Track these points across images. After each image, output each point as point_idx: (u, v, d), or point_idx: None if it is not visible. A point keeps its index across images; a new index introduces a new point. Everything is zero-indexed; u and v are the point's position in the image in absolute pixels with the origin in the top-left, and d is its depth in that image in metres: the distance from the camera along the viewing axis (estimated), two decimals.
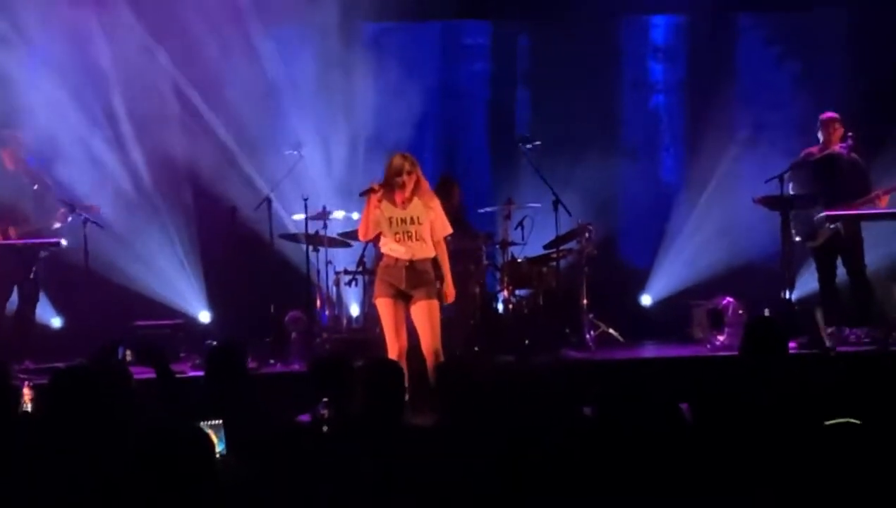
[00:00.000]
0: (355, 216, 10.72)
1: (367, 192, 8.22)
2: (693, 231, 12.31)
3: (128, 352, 9.24)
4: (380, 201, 8.24)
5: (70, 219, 10.21)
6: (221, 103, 11.88)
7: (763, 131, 12.04)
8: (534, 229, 11.00)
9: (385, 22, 12.13)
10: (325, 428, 5.20)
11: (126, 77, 11.74)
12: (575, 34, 12.26)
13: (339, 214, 10.94)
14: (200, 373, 6.95)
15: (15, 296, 10.36)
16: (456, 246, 9.54)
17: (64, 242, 10.22)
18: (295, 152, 11.06)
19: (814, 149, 10.43)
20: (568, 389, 5.60)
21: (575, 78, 12.35)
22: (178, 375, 7.25)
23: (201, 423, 5.10)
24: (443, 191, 9.38)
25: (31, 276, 10.27)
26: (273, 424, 5.57)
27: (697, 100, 12.72)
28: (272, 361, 10.17)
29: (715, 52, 12.74)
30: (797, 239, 10.34)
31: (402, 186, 8.20)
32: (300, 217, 10.76)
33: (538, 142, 10.97)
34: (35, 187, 10.32)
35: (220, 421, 5.33)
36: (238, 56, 11.85)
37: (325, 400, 5.41)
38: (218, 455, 5.05)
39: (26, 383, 6.53)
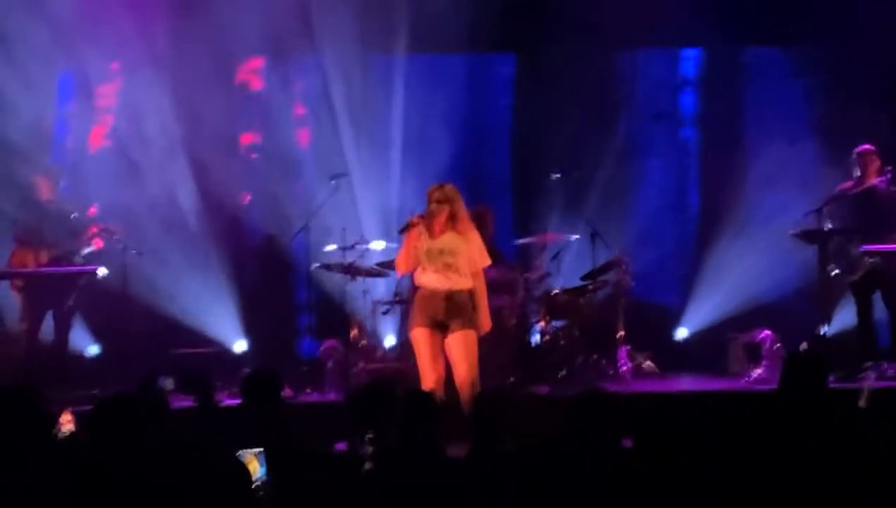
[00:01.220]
0: (382, 245, 10.78)
1: (407, 227, 8.25)
2: (729, 263, 12.25)
3: (169, 381, 9.38)
4: (419, 234, 8.26)
5: (103, 244, 10.30)
6: (258, 130, 11.96)
7: (790, 165, 11.98)
8: (570, 261, 11.01)
9: (415, 53, 12.13)
10: (367, 465, 5.20)
11: (161, 103, 11.84)
12: (595, 63, 12.28)
13: (376, 244, 10.96)
14: (237, 401, 6.97)
15: (50, 322, 10.46)
16: (492, 277, 9.54)
17: (102, 271, 10.33)
18: (333, 182, 11.11)
19: (850, 183, 10.37)
20: (605, 421, 5.58)
21: (600, 109, 12.39)
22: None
23: (242, 450, 5.14)
24: (477, 222, 9.40)
25: (71, 303, 10.36)
26: (312, 452, 5.60)
27: (724, 132, 12.63)
28: (308, 390, 10.20)
29: (735, 85, 12.65)
30: (835, 272, 10.29)
31: (433, 215, 8.23)
32: (333, 247, 10.82)
33: (575, 173, 10.99)
34: (74, 215, 10.41)
35: (262, 449, 5.35)
36: (274, 84, 11.95)
37: (369, 436, 5.41)
38: (259, 482, 5.08)
39: (66, 409, 6.59)
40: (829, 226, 10.19)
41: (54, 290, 10.35)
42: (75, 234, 10.34)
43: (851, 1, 11.92)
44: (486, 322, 8.40)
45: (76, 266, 10.35)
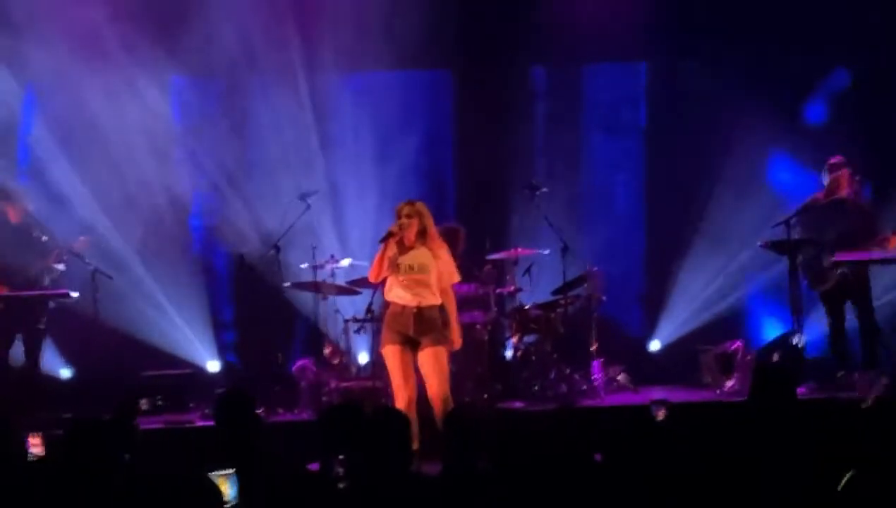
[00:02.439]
0: (345, 262, 10.80)
1: (387, 237, 8.25)
2: (700, 275, 12.30)
3: (143, 401, 9.39)
4: (393, 246, 8.27)
5: (65, 259, 10.31)
6: (229, 151, 11.96)
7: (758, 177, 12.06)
8: (541, 275, 11.03)
9: (388, 70, 12.13)
10: (340, 486, 5.19)
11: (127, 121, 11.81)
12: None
13: (346, 262, 10.96)
14: (210, 423, 6.95)
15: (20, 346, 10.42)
16: (463, 293, 9.55)
17: (74, 294, 10.32)
18: (303, 201, 11.10)
19: (821, 194, 10.43)
20: (577, 435, 5.60)
21: (567, 123, 12.51)
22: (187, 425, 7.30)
23: (213, 472, 5.12)
24: (448, 237, 9.41)
25: (41, 326, 10.32)
26: (284, 472, 5.57)
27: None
28: (281, 410, 10.17)
29: (705, 98, 12.69)
30: (806, 282, 10.36)
31: (401, 229, 8.24)
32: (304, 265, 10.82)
33: (545, 189, 11.02)
34: (44, 239, 10.38)
35: (233, 470, 5.33)
36: (250, 105, 11.97)
37: (341, 457, 5.40)
38: (230, 504, 5.06)
39: (33, 433, 6.56)
40: (799, 236, 10.25)
41: (24, 314, 10.32)
42: (44, 256, 10.31)
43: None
44: (456, 339, 8.41)
45: (46, 289, 10.32)
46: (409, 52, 11.52)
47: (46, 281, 10.43)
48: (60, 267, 10.42)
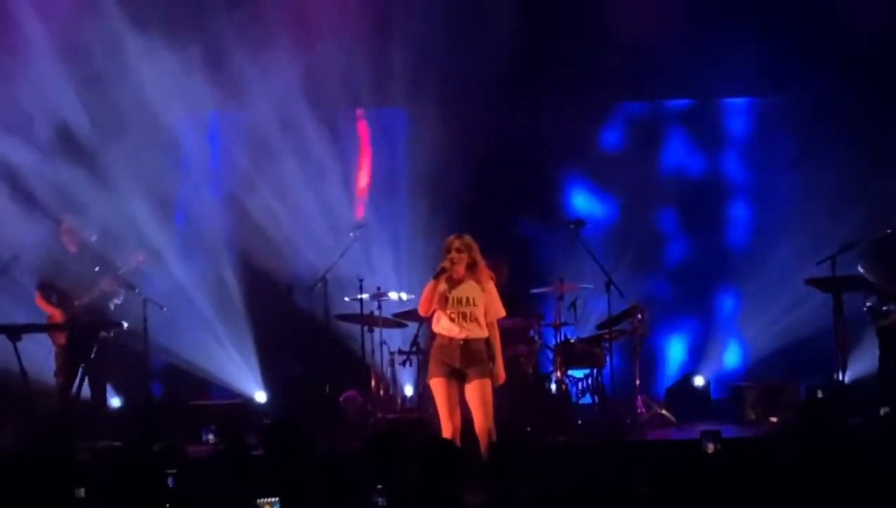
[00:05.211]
0: (404, 296, 10.90)
1: (440, 272, 8.31)
2: (746, 310, 12.30)
3: (210, 436, 9.54)
4: (445, 278, 8.35)
5: (119, 281, 10.57)
6: (279, 181, 12.12)
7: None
8: (586, 310, 11.08)
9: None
10: None
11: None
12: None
13: (393, 295, 11.05)
14: (258, 452, 7.04)
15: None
16: (508, 326, 9.60)
17: (125, 324, 10.51)
18: (352, 234, 11.24)
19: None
20: (621, 469, 5.63)
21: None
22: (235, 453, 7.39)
23: (259, 500, 5.21)
24: (493, 270, 9.47)
25: (93, 356, 10.49)
26: (329, 503, 5.65)
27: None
28: (327, 440, 10.24)
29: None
30: (866, 310, 10.31)
31: (452, 264, 8.31)
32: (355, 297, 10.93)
33: (585, 224, 11.12)
34: (96, 269, 10.58)
35: (277, 499, 5.41)
36: (297, 136, 12.14)
37: (380, 487, 5.46)
38: None
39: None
40: (868, 270, 10.21)
41: (78, 342, 10.50)
42: (92, 284, 10.51)
43: None
44: (501, 373, 8.45)
45: (103, 317, 10.55)
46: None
47: (111, 307, 10.66)
48: (119, 296, 10.62)
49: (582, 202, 12.79)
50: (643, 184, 12.54)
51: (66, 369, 10.53)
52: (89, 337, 10.50)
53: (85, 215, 11.01)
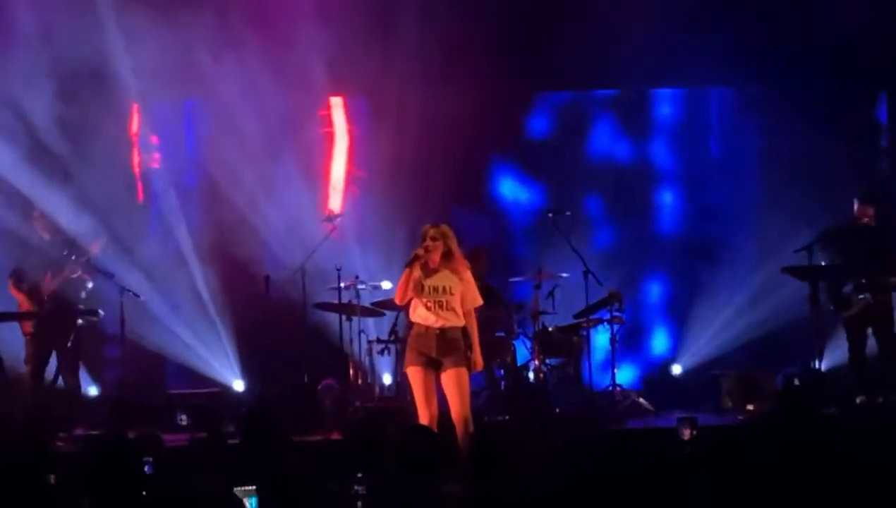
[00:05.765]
0: (386, 285, 10.89)
1: (413, 260, 8.31)
2: (722, 300, 12.34)
3: (183, 417, 9.52)
4: (418, 268, 8.34)
5: (83, 265, 10.49)
6: (257, 171, 12.08)
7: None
8: (564, 299, 11.09)
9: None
10: (359, 505, 5.25)
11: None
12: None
13: (386, 285, 11.02)
14: (235, 440, 7.03)
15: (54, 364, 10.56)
16: (485, 315, 9.60)
17: (101, 313, 10.47)
18: (329, 222, 11.22)
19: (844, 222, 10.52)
20: (599, 458, 5.64)
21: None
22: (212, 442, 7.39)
23: (236, 489, 5.20)
24: (471, 259, 9.48)
25: (69, 344, 10.44)
26: (305, 491, 5.64)
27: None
28: (305, 429, 10.23)
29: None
30: (830, 308, 10.39)
31: (427, 251, 8.30)
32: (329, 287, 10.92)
33: (567, 213, 11.11)
34: (71, 256, 10.52)
35: (254, 487, 5.40)
36: (274, 127, 12.10)
37: (360, 475, 5.45)
38: None
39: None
40: (822, 262, 10.29)
41: (55, 329, 10.46)
42: (60, 269, 10.46)
43: None
44: (478, 360, 8.46)
45: (75, 306, 10.48)
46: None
47: (83, 294, 10.58)
48: (89, 283, 10.56)
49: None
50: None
51: (37, 357, 10.45)
52: (65, 324, 10.45)
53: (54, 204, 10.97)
